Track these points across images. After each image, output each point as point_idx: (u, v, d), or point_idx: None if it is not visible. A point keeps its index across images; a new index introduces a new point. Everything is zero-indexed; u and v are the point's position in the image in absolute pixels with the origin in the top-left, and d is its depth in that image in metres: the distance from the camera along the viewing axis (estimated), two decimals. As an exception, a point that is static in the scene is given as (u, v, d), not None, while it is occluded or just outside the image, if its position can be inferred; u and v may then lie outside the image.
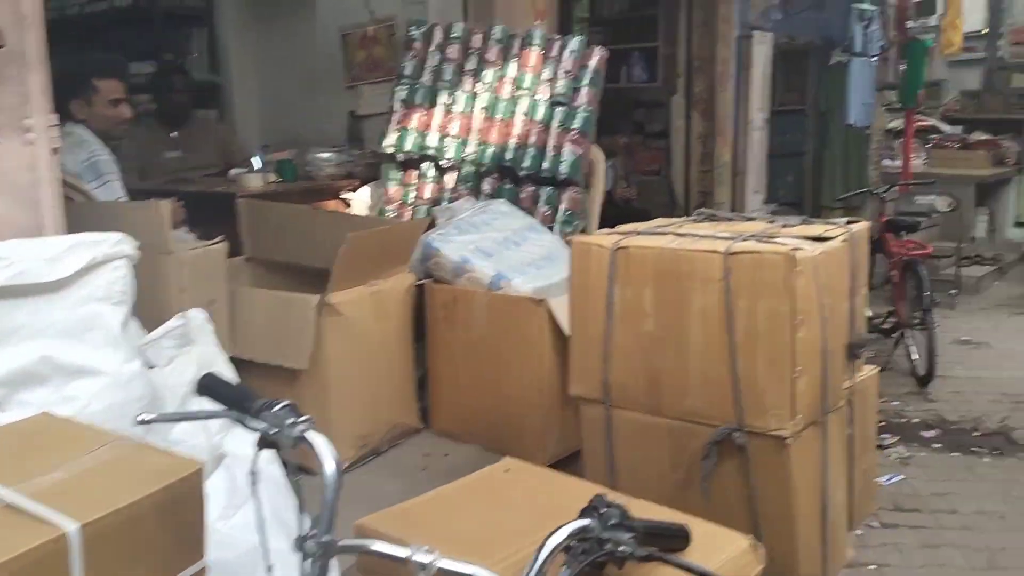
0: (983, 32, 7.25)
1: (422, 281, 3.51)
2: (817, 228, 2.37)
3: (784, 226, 2.38)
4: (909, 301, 5.21)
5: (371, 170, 4.58)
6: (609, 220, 5.39)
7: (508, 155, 4.01)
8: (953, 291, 6.70)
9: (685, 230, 2.37)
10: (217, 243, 2.78)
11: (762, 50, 6.23)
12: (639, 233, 2.39)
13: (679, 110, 6.20)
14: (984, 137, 8.20)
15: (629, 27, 6.48)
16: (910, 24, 7.55)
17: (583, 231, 3.91)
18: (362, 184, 4.60)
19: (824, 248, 2.18)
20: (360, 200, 4.58)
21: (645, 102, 6.48)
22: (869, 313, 3.71)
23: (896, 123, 8.50)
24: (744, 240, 2.17)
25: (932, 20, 8.28)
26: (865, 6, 6.65)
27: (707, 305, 2.22)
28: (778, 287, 2.12)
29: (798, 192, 7.49)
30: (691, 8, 6.05)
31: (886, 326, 5.35)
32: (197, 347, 2.11)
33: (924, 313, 4.92)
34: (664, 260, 2.26)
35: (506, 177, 4.06)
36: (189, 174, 4.61)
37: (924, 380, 4.88)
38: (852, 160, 7.32)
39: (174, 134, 4.79)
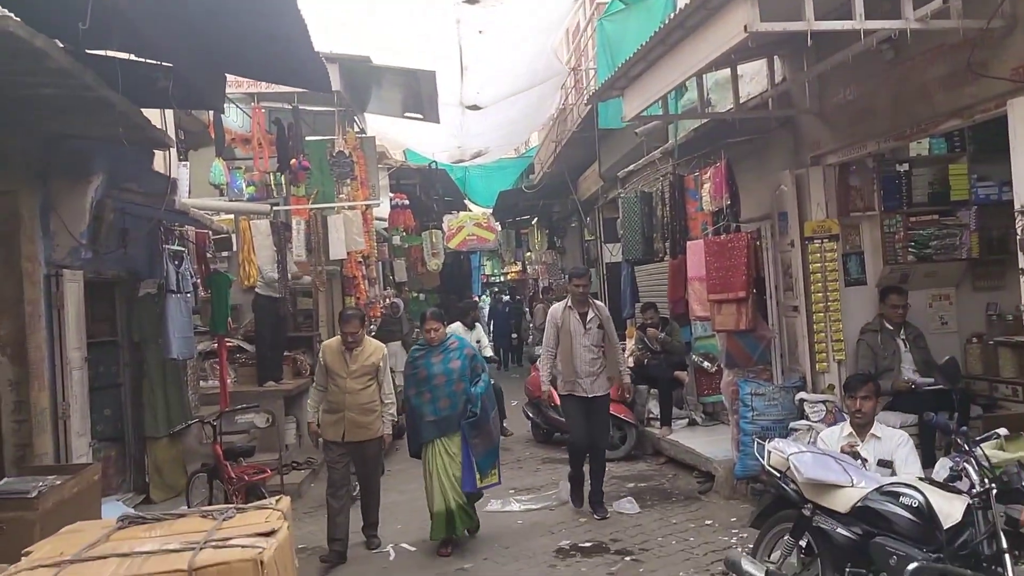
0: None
1: None
2: (256, 518, 2.42)
3: (224, 519, 2.38)
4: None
5: None
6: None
7: None
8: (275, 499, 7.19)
9: (125, 547, 2.16)
10: None
11: (74, 288, 5.98)
12: (72, 561, 2.09)
13: (-17, 356, 5.47)
14: (287, 353, 9.27)
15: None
16: (210, 256, 8.17)
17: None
18: None
19: (278, 541, 2.26)
20: None
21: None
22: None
23: (204, 345, 8.94)
24: (202, 549, 2.11)
25: (225, 254, 9.09)
26: (177, 247, 6.97)
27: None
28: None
29: (118, 425, 7.19)
30: (-9, 245, 5.50)
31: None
32: None
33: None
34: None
35: None
36: None
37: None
38: (172, 387, 7.39)
39: None
